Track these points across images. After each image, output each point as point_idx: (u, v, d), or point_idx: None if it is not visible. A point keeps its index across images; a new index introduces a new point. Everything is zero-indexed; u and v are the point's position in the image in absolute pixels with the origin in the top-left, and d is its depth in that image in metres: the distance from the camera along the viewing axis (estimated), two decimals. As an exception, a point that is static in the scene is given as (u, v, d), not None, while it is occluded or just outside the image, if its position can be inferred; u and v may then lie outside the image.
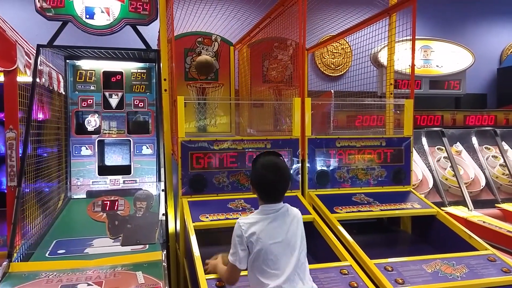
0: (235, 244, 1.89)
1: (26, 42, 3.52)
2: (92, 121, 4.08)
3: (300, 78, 3.34)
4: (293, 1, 3.30)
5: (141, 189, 3.79)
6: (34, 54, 3.39)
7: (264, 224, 1.89)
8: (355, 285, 2.18)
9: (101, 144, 4.08)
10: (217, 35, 4.64)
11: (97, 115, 4.04)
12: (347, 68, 6.42)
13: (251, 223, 1.89)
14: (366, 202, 3.08)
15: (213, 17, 4.40)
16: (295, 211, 2.02)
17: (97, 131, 4.03)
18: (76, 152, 3.97)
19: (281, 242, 1.87)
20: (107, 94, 4.05)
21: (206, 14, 4.24)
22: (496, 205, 4.73)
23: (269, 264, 1.84)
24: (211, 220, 2.68)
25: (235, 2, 4.40)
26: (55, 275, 2.47)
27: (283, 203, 1.99)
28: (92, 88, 4.03)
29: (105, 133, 4.05)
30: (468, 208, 4.54)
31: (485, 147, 5.42)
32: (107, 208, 3.29)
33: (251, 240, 1.85)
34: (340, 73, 6.44)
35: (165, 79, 3.26)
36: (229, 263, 1.93)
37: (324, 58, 6.38)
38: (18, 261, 2.67)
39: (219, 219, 2.69)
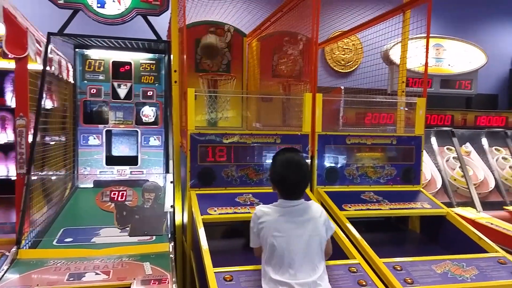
0: (250, 227, 2.07)
1: (37, 30, 3.51)
2: (100, 111, 4.07)
3: (312, 73, 3.30)
4: (307, -6, 3.26)
5: (147, 180, 3.78)
6: (45, 42, 3.38)
7: (275, 216, 1.99)
8: (364, 283, 2.16)
9: (109, 134, 4.08)
10: (230, 25, 4.56)
11: (105, 105, 4.03)
12: (357, 65, 6.37)
13: (265, 212, 2.02)
14: (375, 200, 3.05)
15: (224, 8, 4.36)
16: (316, 210, 2.07)
17: (105, 121, 4.02)
18: (84, 142, 3.97)
19: (288, 237, 1.93)
20: (115, 84, 4.04)
21: (217, 4, 4.20)
22: (504, 207, 4.67)
23: (274, 256, 1.92)
24: (219, 214, 2.66)
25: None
26: (63, 263, 2.48)
27: (305, 200, 2.06)
28: (101, 77, 4.02)
29: (113, 123, 4.04)
30: (476, 210, 4.50)
31: (495, 149, 5.35)
32: (116, 199, 3.29)
33: (260, 228, 1.99)
34: (350, 70, 6.39)
35: (175, 71, 3.24)
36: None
37: (334, 54, 6.32)
38: (26, 248, 2.69)
39: (227, 213, 2.68)
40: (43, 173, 3.27)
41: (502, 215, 4.44)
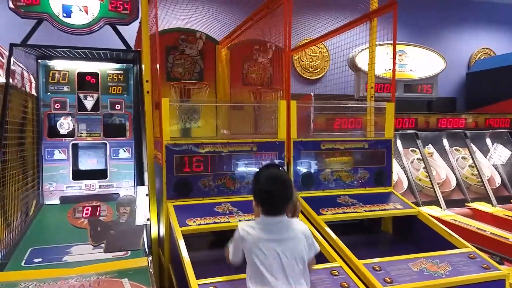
0: (234, 240, 2.08)
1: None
2: (65, 124, 3.92)
3: (286, 80, 3.33)
4: (278, 3, 3.29)
5: (118, 194, 3.68)
6: (7, 54, 3.24)
7: (258, 234, 1.98)
8: (346, 285, 2.20)
9: (75, 147, 3.93)
10: (201, 32, 4.51)
11: (70, 117, 3.89)
12: (324, 72, 6.49)
13: (248, 232, 2.00)
14: (350, 203, 3.11)
15: (195, 16, 4.33)
16: (299, 228, 2.05)
17: (71, 134, 3.88)
18: (48, 156, 3.80)
19: (269, 255, 1.93)
20: (81, 95, 3.91)
21: (188, 12, 4.17)
22: (466, 204, 4.90)
23: (256, 272, 1.92)
24: (198, 225, 2.63)
25: (218, 3, 4.35)
26: (35, 285, 2.35)
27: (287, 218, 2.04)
28: (65, 89, 3.87)
29: (80, 136, 3.91)
30: (441, 208, 4.68)
31: (455, 149, 5.59)
32: (89, 214, 3.17)
33: (243, 246, 2.01)
34: (318, 76, 6.50)
35: (147, 81, 3.18)
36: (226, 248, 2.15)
37: (302, 61, 6.42)
38: (-8, 271, 2.53)
39: (207, 223, 2.65)
40: (4, 191, 3.10)
41: (465, 212, 4.66)
